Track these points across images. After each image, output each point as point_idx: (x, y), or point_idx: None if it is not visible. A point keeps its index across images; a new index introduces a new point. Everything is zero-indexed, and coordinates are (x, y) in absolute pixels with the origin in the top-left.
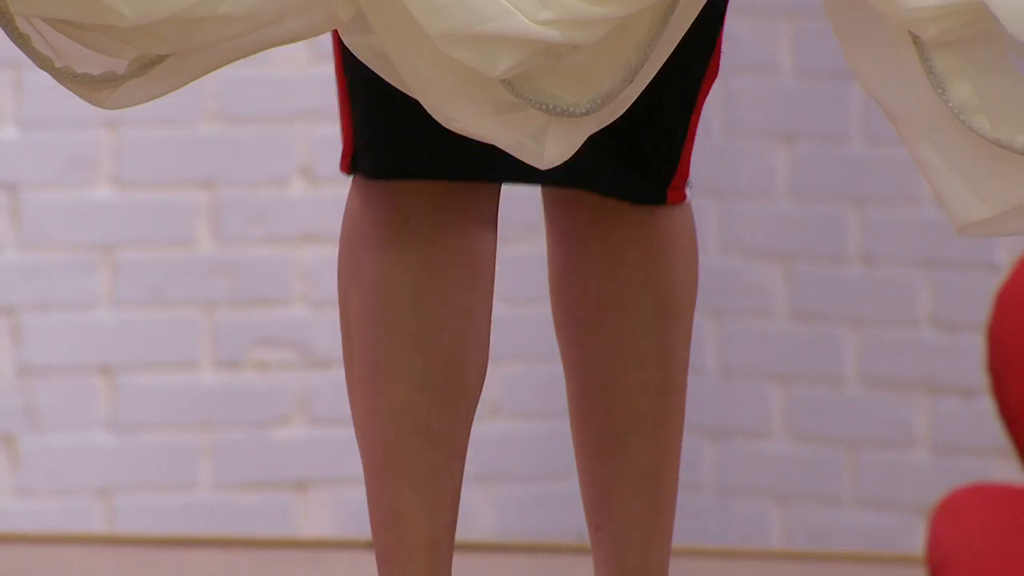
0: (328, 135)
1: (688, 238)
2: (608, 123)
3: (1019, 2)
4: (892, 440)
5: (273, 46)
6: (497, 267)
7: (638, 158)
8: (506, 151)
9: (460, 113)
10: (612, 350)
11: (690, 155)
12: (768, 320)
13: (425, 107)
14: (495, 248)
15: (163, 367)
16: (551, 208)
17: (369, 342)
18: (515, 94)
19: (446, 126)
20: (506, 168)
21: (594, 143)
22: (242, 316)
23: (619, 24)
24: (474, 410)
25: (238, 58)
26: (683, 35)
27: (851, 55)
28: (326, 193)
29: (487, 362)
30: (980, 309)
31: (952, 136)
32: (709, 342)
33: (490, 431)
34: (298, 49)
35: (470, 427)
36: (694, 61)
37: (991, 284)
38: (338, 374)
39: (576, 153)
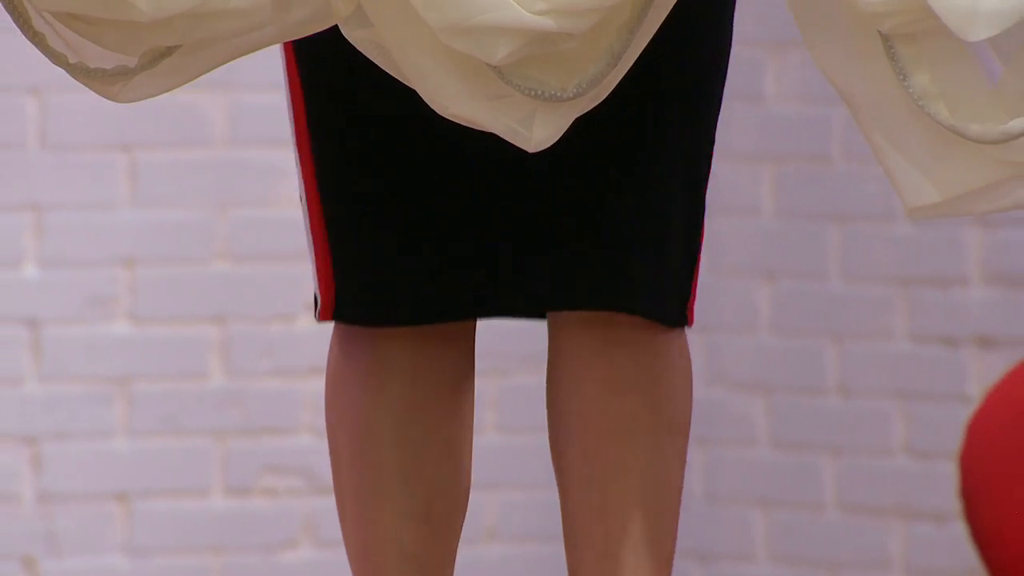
0: None
1: (685, 362)
2: (590, 108)
3: (957, 1)
4: (869, 563)
5: (276, 42)
6: (493, 397)
7: (665, 279)
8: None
9: (453, 101)
10: (609, 470)
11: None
12: (751, 448)
13: (421, 95)
14: (473, 378)
15: (176, 493)
16: (555, 331)
17: (356, 477)
18: (505, 81)
19: (440, 113)
20: (488, 305)
21: (614, 264)
22: (251, 444)
23: (606, 14)
24: (459, 534)
25: (243, 54)
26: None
27: (813, 46)
28: (331, 328)
29: (469, 487)
30: (952, 438)
31: (909, 122)
32: (695, 468)
33: (487, 555)
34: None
35: (455, 551)
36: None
37: (962, 415)
38: None
39: (585, 277)
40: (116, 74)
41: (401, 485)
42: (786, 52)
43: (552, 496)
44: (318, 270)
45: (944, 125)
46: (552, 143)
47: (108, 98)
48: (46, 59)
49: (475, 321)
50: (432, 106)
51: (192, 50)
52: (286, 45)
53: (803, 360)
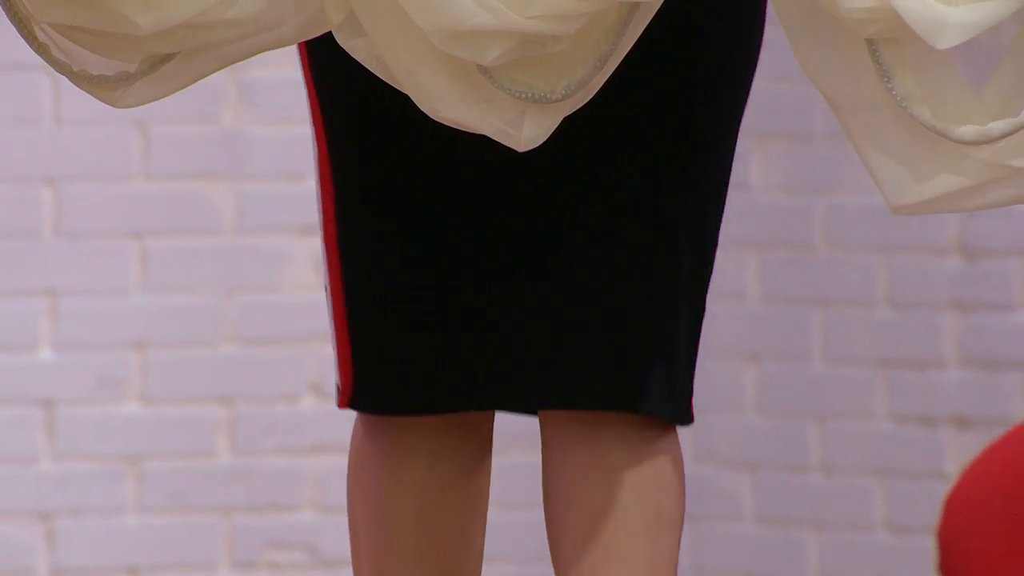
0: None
1: (678, 455)
2: (577, 108)
3: (925, 9)
4: None
5: (272, 48)
6: (492, 474)
7: (673, 378)
8: (488, 147)
9: (443, 104)
10: (604, 558)
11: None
12: (737, 524)
13: (413, 99)
14: (490, 463)
15: (184, 567)
16: (546, 421)
17: (373, 554)
18: (495, 85)
19: (432, 116)
20: (504, 397)
21: (621, 365)
22: (257, 520)
23: (594, 18)
24: None
25: (240, 59)
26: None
27: (798, 50)
28: (334, 408)
29: (480, 568)
30: (930, 514)
31: (893, 123)
32: (683, 543)
33: None
34: (308, 276)
35: None
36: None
37: (940, 492)
38: (345, 574)
39: (581, 376)
40: (117, 80)
41: (414, 565)
42: (770, 144)
43: (547, 570)
44: (339, 360)
45: (927, 126)
46: (540, 143)
47: (110, 104)
48: (60, 151)
49: (493, 412)
50: (423, 109)
51: (190, 56)
52: (315, 115)
53: (787, 439)
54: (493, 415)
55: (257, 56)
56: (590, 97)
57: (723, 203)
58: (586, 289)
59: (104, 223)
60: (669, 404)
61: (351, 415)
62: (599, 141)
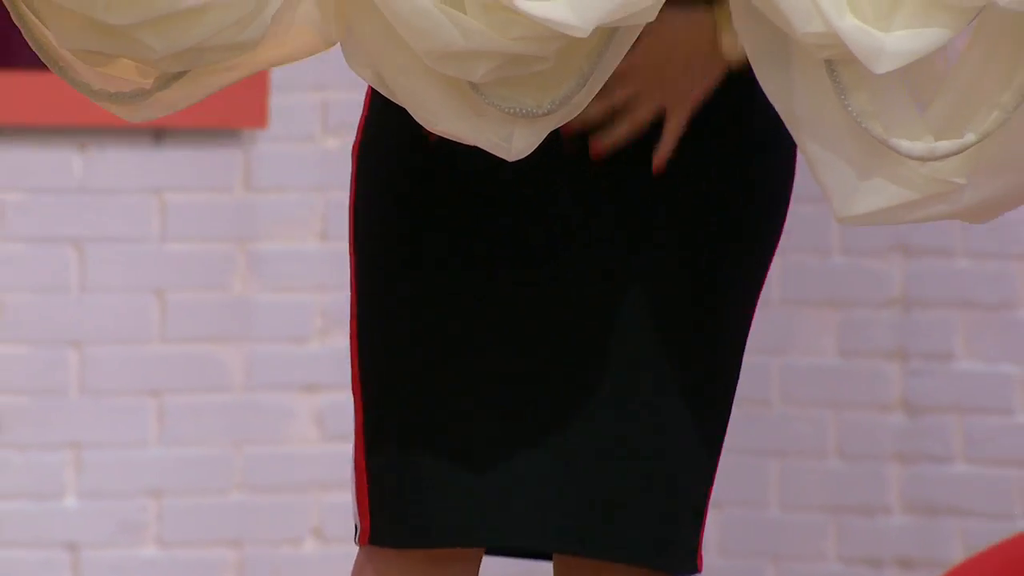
0: (337, 502)
1: None
2: (562, 123)
3: (864, 37)
4: None
5: (277, 66)
6: None
7: (690, 532)
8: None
9: (440, 119)
10: None
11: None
12: None
13: (411, 114)
14: None
15: None
16: (560, 562)
17: None
18: (486, 101)
19: (429, 129)
20: (523, 535)
21: (627, 514)
22: None
23: (572, 39)
24: None
25: (247, 75)
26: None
27: (760, 71)
28: (335, 551)
29: None
30: None
31: (846, 138)
32: None
33: None
34: (310, 430)
35: None
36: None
37: None
38: None
39: (605, 524)
40: (134, 96)
41: None
42: None
43: None
44: (358, 497)
45: (879, 140)
46: (529, 152)
47: (128, 117)
48: (85, 317)
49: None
50: (421, 123)
51: (200, 74)
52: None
53: None
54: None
55: (264, 229)
56: (575, 114)
57: (738, 368)
58: (630, 448)
59: (124, 382)
60: (690, 559)
61: (350, 557)
62: (652, 307)
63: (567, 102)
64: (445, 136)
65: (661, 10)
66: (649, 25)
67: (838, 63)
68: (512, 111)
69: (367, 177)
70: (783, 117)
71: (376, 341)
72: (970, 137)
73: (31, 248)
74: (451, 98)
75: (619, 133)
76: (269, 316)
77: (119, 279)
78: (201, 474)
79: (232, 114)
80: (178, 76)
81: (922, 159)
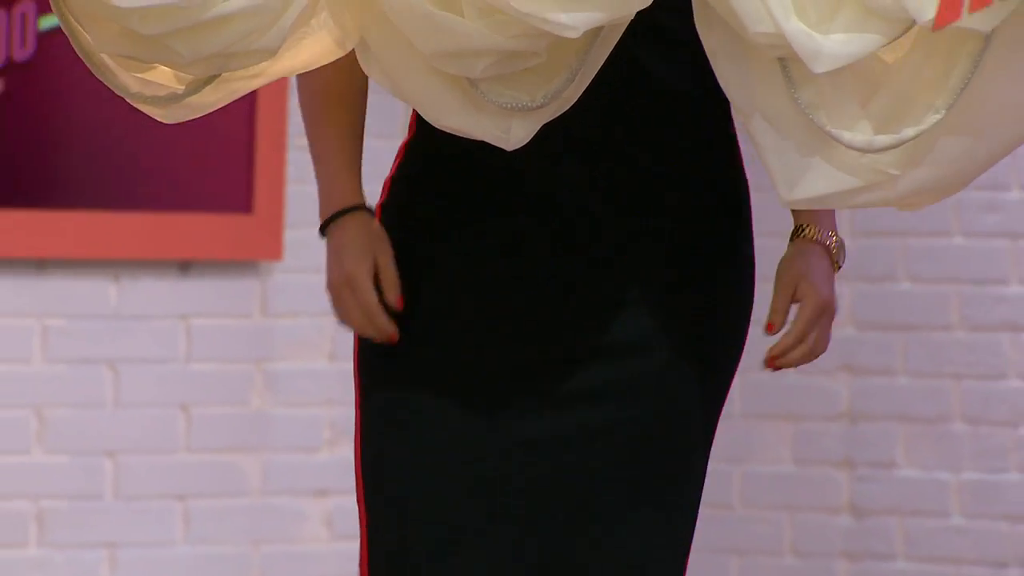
0: None
1: None
2: (555, 115)
3: (806, 39)
4: None
5: (296, 72)
6: None
7: None
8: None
9: (444, 115)
10: None
11: None
12: None
13: (418, 110)
14: None
15: None
16: None
17: None
18: (486, 98)
19: (434, 124)
20: None
21: None
22: None
23: (561, 38)
24: None
25: (269, 81)
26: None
27: (717, 64)
28: None
29: None
30: None
31: (794, 129)
32: None
33: None
34: (321, 531)
35: None
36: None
37: None
38: None
39: None
40: (168, 99)
41: None
42: None
43: None
44: None
45: (823, 130)
46: (525, 142)
47: (163, 119)
48: (118, 429)
49: None
50: (428, 119)
51: (227, 80)
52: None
53: None
54: None
55: (279, 350)
56: (566, 107)
57: (698, 502)
58: (611, 559)
59: (154, 487)
60: None
61: None
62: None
63: (558, 96)
64: (449, 131)
65: (804, 257)
66: (804, 270)
67: (789, 60)
68: (509, 106)
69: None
70: (737, 107)
71: (375, 457)
72: (907, 132)
73: (71, 368)
74: (454, 97)
75: (797, 357)
76: (283, 428)
77: (149, 395)
78: (223, 571)
79: (251, 248)
80: (208, 81)
81: (862, 150)
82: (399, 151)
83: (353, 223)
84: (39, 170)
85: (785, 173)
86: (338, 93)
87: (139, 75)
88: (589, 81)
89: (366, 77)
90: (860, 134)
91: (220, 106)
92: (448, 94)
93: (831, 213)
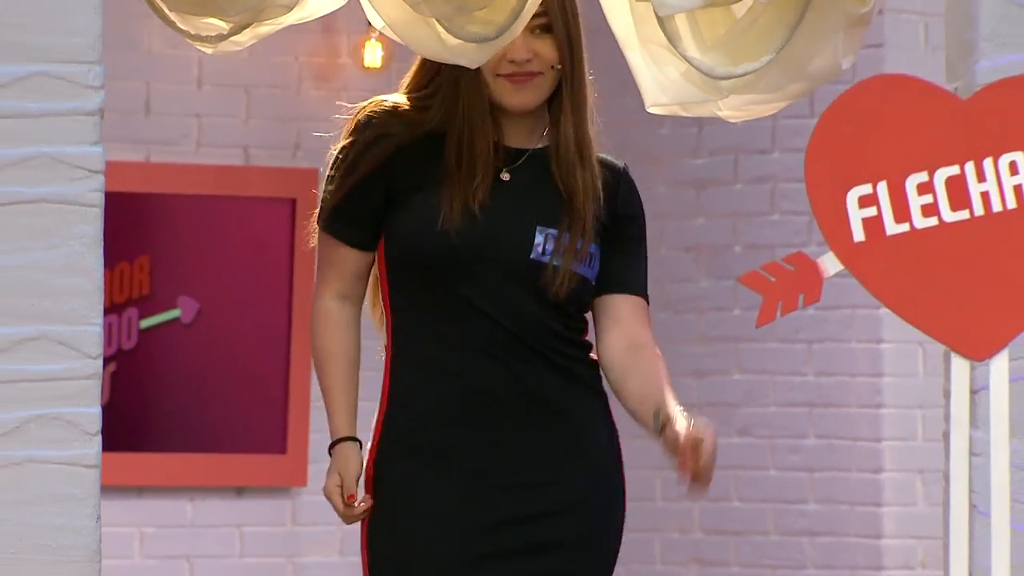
0: None
1: None
2: (506, 43)
3: None
4: None
5: (307, 19)
6: None
7: None
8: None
9: (425, 49)
10: None
11: None
12: None
13: (402, 41)
14: None
15: None
16: None
17: None
18: (454, 34)
19: (419, 54)
20: None
21: None
22: None
23: None
24: None
25: (287, 25)
26: None
27: (609, 10)
28: None
29: None
30: None
31: (664, 56)
32: None
33: None
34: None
35: None
36: None
37: None
38: None
39: None
40: (216, 39)
41: None
42: None
43: None
44: None
45: (682, 56)
46: (483, 63)
47: (207, 51)
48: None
49: None
50: (410, 47)
51: (258, 25)
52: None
53: None
54: None
55: (305, 548)
56: (514, 37)
57: None
58: None
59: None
60: None
61: None
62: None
63: (505, 30)
64: (429, 57)
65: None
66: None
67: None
68: (471, 39)
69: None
70: (620, 39)
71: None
72: (745, 67)
73: (160, 562)
74: (433, 36)
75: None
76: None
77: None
78: None
79: (285, 478)
80: (245, 26)
81: (708, 75)
82: (376, 422)
83: (338, 451)
84: (139, 426)
85: (651, 88)
86: (335, 353)
87: (194, 21)
88: (530, 16)
89: (358, 345)
90: (710, 62)
91: (253, 43)
92: (429, 34)
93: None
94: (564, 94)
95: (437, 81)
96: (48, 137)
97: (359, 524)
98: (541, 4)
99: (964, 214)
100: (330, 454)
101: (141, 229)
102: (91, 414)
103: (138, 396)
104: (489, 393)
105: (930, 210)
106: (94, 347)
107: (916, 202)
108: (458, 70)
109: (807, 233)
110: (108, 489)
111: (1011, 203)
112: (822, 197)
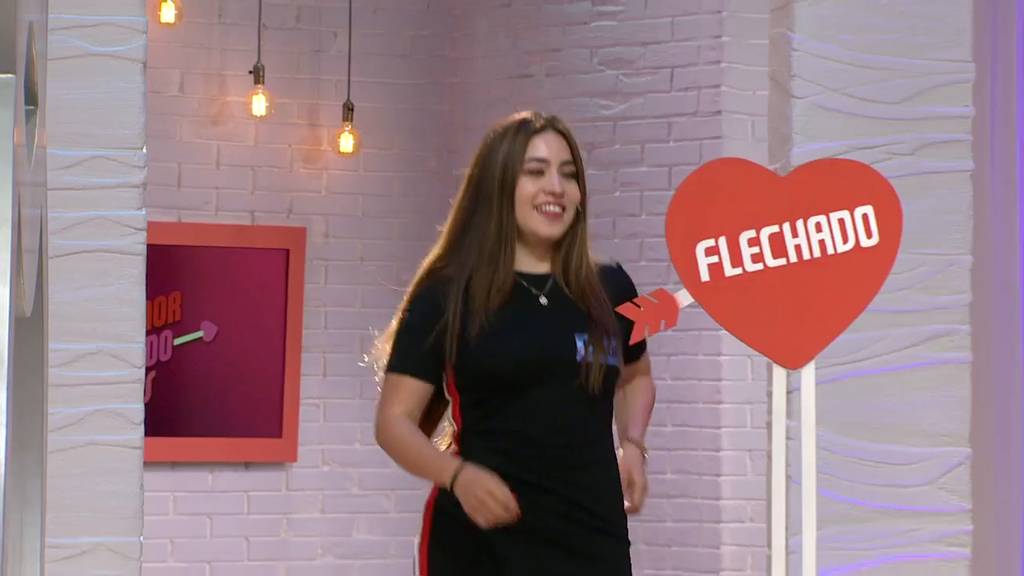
0: None
1: None
2: None
3: None
4: None
5: None
6: None
7: None
8: None
9: None
10: None
11: None
12: None
13: None
14: None
15: None
16: None
17: None
18: None
19: None
20: None
21: None
22: None
23: None
24: None
25: None
26: None
27: None
28: None
29: None
30: None
31: None
32: None
33: None
34: None
35: None
36: None
37: None
38: None
39: None
40: None
41: None
42: None
43: None
44: None
45: None
46: None
47: None
48: (213, 546)
49: None
50: None
51: None
52: None
53: None
54: None
55: (295, 506)
56: None
57: None
58: None
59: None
60: None
61: None
62: None
63: None
64: None
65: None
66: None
67: None
68: None
69: (437, 535)
70: None
71: None
72: None
73: (187, 518)
74: None
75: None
76: (299, 532)
77: (230, 529)
78: None
79: (281, 455)
80: None
81: None
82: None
83: (465, 468)
84: (172, 417)
85: None
86: (412, 430)
87: None
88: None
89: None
90: None
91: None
92: None
93: (642, 424)
94: (579, 228)
95: (470, 235)
96: (104, 204)
97: (419, 549)
98: (570, 152)
99: (783, 261)
100: (452, 488)
101: (174, 272)
102: (136, 409)
103: (172, 395)
104: None
105: (757, 258)
106: (139, 359)
107: (747, 252)
108: (489, 221)
109: (667, 275)
110: (149, 464)
111: (817, 252)
112: (678, 248)
